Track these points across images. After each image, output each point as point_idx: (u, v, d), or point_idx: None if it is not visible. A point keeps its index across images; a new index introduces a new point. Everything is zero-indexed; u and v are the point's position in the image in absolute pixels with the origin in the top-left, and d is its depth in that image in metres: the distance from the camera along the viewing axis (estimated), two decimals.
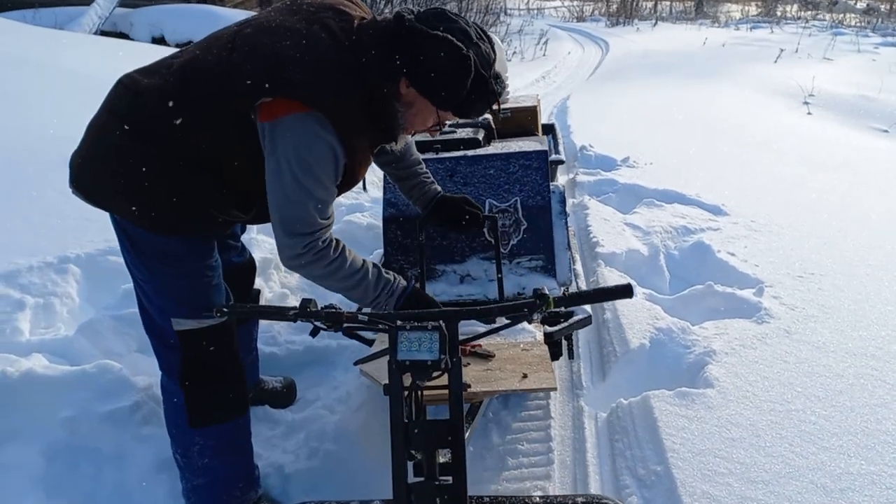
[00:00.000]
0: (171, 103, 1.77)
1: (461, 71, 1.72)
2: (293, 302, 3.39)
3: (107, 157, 1.83)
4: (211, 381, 2.01)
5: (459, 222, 2.38)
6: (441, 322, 1.56)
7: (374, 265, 1.94)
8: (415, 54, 1.73)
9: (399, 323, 1.56)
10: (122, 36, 11.99)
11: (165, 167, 1.79)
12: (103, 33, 11.67)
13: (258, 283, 3.39)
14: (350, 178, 1.87)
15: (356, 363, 2.12)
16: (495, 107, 1.84)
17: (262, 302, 2.97)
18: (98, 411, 2.48)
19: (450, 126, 3.03)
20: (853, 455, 2.24)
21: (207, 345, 1.97)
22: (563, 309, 1.87)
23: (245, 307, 1.61)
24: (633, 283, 3.53)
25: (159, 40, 11.96)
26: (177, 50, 1.95)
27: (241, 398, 2.11)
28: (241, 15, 12.39)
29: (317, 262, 1.82)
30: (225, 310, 1.57)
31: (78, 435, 2.42)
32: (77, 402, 2.48)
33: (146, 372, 2.66)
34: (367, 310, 1.72)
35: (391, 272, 1.98)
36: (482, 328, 1.88)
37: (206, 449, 2.07)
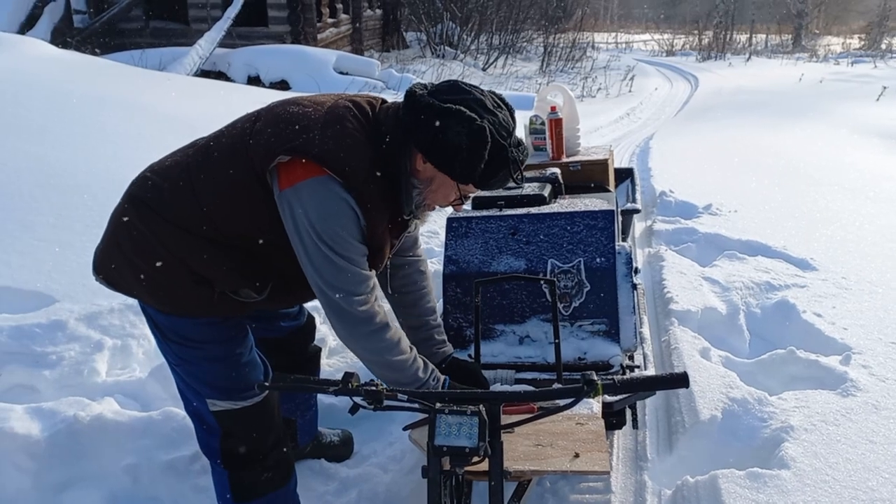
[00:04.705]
0: (189, 176, 1.80)
1: (477, 142, 1.67)
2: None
3: (123, 242, 1.84)
4: (252, 462, 2.00)
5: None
6: (481, 406, 1.51)
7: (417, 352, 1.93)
8: (427, 129, 1.69)
9: (438, 405, 1.53)
10: (221, 75, 12.63)
11: (178, 246, 1.78)
12: (203, 73, 12.34)
13: (323, 331, 3.43)
14: (372, 249, 1.82)
15: (405, 428, 2.09)
16: (517, 175, 1.78)
17: (324, 357, 2.99)
18: (160, 459, 2.54)
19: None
20: None
21: (246, 425, 1.97)
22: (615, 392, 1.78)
23: (287, 379, 1.61)
24: (708, 345, 3.38)
25: (255, 79, 12.52)
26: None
27: (285, 470, 2.10)
28: (329, 54, 12.84)
29: (377, 334, 1.81)
30: (266, 384, 1.57)
31: (140, 483, 2.49)
32: (141, 450, 2.56)
33: None
34: None
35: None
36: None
37: None
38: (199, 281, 1.80)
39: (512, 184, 1.85)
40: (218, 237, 1.79)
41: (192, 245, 1.79)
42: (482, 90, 1.78)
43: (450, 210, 2.12)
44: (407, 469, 2.58)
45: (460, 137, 1.67)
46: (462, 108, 1.67)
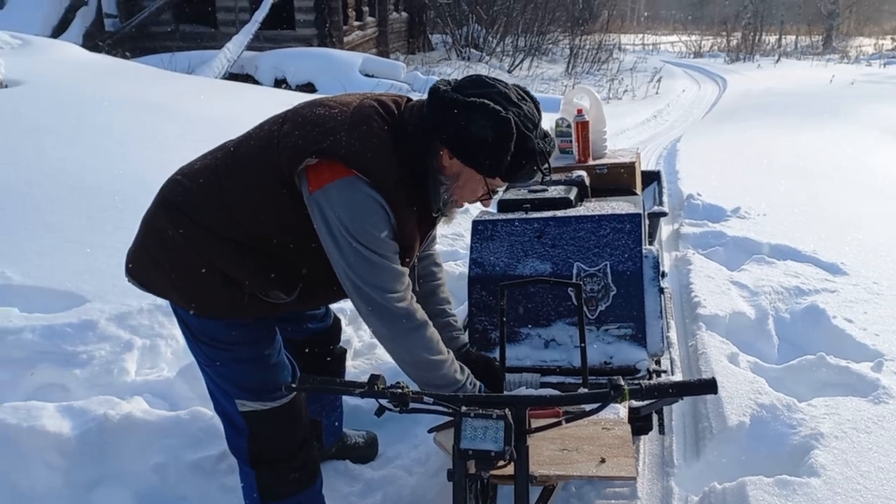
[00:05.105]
0: (218, 179, 1.82)
1: (502, 134, 1.66)
2: (382, 354, 3.41)
3: (154, 245, 1.87)
4: (279, 462, 2.01)
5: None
6: (507, 410, 1.51)
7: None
8: (452, 124, 1.69)
9: (464, 409, 1.53)
10: (249, 78, 12.75)
11: (206, 248, 1.80)
12: (231, 76, 12.46)
13: (348, 332, 3.45)
14: (402, 247, 1.82)
15: (430, 431, 2.09)
16: (545, 167, 1.77)
17: (349, 358, 3.00)
18: (188, 459, 2.57)
19: (541, 184, 2.97)
20: None
21: (274, 425, 1.98)
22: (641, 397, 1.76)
23: (314, 381, 1.61)
24: (736, 350, 3.33)
25: (282, 82, 12.63)
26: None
27: (312, 471, 2.11)
28: (355, 57, 12.91)
29: (417, 331, 1.81)
30: (293, 386, 1.58)
31: (167, 482, 2.51)
32: (169, 449, 2.58)
33: None
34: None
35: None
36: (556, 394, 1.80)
37: None
38: (228, 283, 1.82)
39: (538, 181, 1.83)
40: (246, 240, 1.81)
41: (221, 248, 1.81)
42: (506, 83, 1.77)
43: (475, 212, 2.12)
44: (432, 472, 2.58)
45: (485, 130, 1.66)
46: (486, 102, 1.66)
